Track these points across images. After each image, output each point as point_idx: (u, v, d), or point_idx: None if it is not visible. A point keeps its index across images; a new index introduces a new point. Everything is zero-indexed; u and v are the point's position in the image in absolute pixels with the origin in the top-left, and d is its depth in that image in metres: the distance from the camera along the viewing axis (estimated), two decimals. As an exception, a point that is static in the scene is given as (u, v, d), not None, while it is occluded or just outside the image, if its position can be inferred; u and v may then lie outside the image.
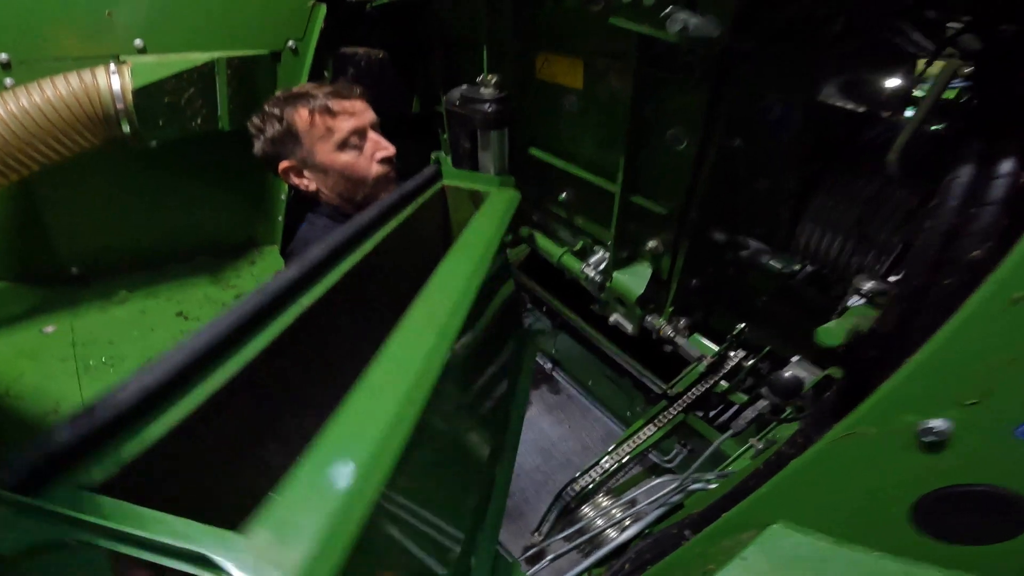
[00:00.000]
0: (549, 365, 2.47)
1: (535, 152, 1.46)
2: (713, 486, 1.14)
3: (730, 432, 1.18)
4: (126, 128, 1.37)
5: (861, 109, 1.19)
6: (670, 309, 1.31)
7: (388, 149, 1.35)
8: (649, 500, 1.16)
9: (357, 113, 1.34)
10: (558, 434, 2.69)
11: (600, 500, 1.64)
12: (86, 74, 1.31)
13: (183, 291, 1.59)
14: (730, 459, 1.42)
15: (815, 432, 0.74)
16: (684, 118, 1.10)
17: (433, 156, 1.20)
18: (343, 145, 1.30)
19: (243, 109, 1.57)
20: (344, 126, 1.29)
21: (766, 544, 0.64)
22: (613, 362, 2.07)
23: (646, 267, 1.31)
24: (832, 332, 0.80)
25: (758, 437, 1.30)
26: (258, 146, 1.34)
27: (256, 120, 1.34)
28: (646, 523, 1.12)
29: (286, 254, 1.39)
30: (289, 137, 1.30)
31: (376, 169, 1.33)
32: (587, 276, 1.36)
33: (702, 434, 1.73)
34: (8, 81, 1.32)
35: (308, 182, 1.33)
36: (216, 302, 1.58)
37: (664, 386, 1.82)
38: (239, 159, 1.66)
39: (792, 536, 0.63)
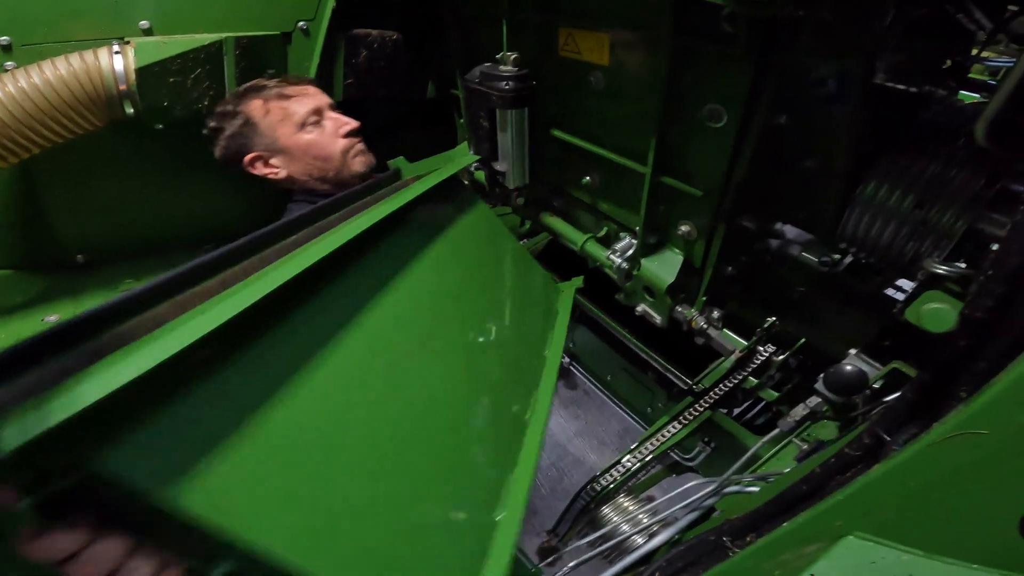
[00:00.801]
0: (566, 359, 2.38)
1: (557, 133, 1.36)
2: (752, 489, 1.05)
3: (775, 432, 1.07)
4: (129, 110, 1.32)
5: (914, 89, 1.10)
6: (703, 299, 1.22)
7: (350, 123, 1.38)
8: (682, 504, 1.07)
9: (311, 95, 1.37)
10: (574, 429, 2.61)
11: (622, 501, 1.55)
12: (88, 54, 1.26)
13: None
14: (763, 459, 1.32)
15: (893, 432, 0.65)
16: (724, 93, 1.00)
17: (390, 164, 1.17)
18: (303, 125, 1.31)
19: None
20: (300, 107, 1.32)
21: (840, 558, 0.54)
22: (634, 356, 1.98)
23: (677, 254, 1.22)
24: (941, 316, 0.70)
25: (796, 435, 1.20)
26: (219, 149, 1.33)
27: (212, 123, 1.33)
28: (677, 528, 1.03)
29: None
30: (248, 128, 1.30)
31: (341, 143, 1.35)
32: (613, 264, 1.26)
33: (730, 432, 1.63)
34: (9, 64, 1.26)
35: (277, 169, 1.33)
36: None
37: (690, 382, 1.72)
38: None
39: (873, 549, 0.54)
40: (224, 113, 1.31)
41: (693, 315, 1.22)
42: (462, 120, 1.85)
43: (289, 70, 1.59)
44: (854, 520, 0.56)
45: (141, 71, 1.28)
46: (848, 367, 0.87)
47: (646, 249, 1.24)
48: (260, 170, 1.32)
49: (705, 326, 1.22)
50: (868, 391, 0.90)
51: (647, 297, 1.27)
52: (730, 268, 1.18)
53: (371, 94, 1.83)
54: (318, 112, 1.35)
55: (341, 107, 1.77)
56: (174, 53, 1.32)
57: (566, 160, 1.39)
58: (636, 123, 1.17)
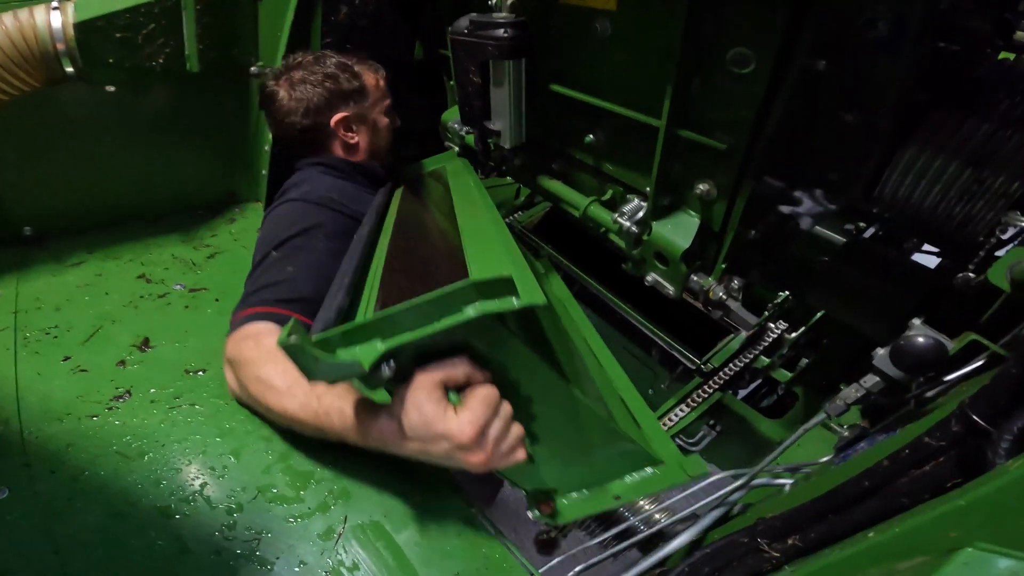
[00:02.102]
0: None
1: (557, 89, 1.19)
2: (783, 482, 0.90)
3: (821, 418, 0.92)
4: (69, 68, 1.18)
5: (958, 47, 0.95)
6: (722, 267, 1.06)
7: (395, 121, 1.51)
8: (705, 500, 0.92)
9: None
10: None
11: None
12: (23, 12, 1.13)
13: (148, 252, 1.35)
14: (784, 446, 1.17)
15: (997, 419, 0.49)
16: (754, 35, 0.83)
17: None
18: (387, 111, 1.45)
19: (218, 49, 1.33)
20: (387, 99, 1.46)
21: (960, 575, 0.39)
22: (636, 334, 1.82)
23: (693, 216, 1.06)
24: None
25: (833, 419, 1.05)
26: (316, 95, 1.31)
27: (319, 70, 1.32)
28: (701, 528, 0.88)
29: (282, 199, 1.23)
30: (358, 94, 1.36)
31: (391, 135, 1.49)
32: (620, 227, 1.10)
33: (740, 415, 1.49)
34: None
35: (354, 136, 1.37)
36: (185, 262, 1.34)
37: (698, 360, 1.57)
38: (215, 106, 1.42)
39: (1004, 563, 0.39)
40: (343, 66, 1.35)
41: (711, 284, 1.07)
42: (451, 83, 1.67)
43: (260, 29, 1.41)
44: (974, 530, 0.40)
45: (81, 27, 1.14)
46: (920, 338, 0.72)
47: (658, 211, 1.07)
48: (339, 129, 1.34)
49: (724, 297, 1.06)
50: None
51: (659, 265, 1.11)
52: (753, 232, 1.02)
53: (353, 55, 1.64)
54: (392, 106, 1.49)
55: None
56: (121, 7, 1.18)
57: (567, 118, 1.22)
58: (648, 73, 1.00)
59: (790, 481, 0.90)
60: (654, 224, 1.08)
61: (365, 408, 0.74)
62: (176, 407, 0.97)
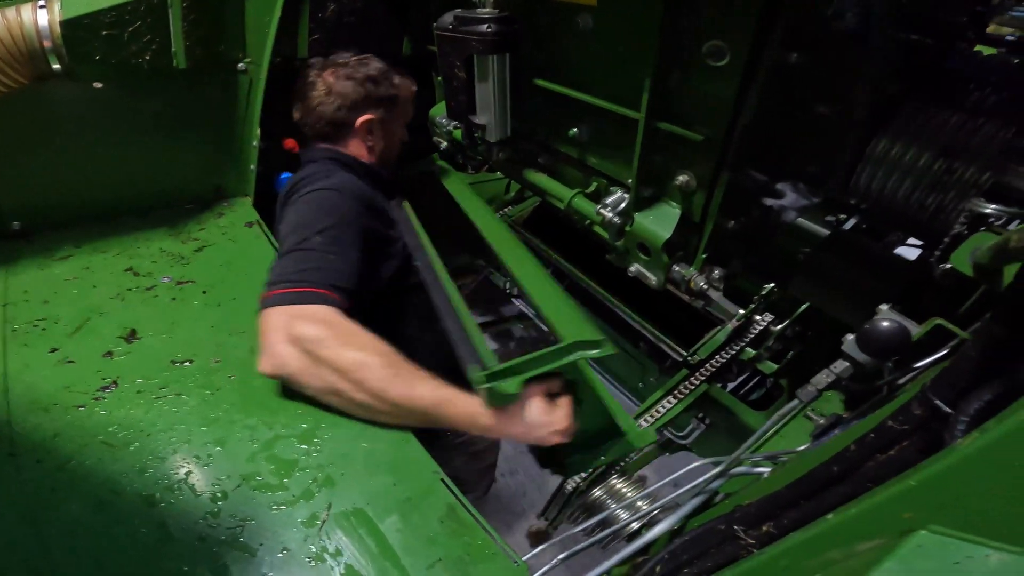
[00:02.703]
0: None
1: (541, 83, 1.19)
2: (762, 470, 0.91)
3: (794, 404, 0.93)
4: (56, 65, 1.17)
5: (932, 40, 0.95)
6: (703, 256, 1.06)
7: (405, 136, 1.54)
8: (685, 487, 0.93)
9: None
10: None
11: (615, 483, 1.41)
12: (10, 10, 1.13)
13: (136, 245, 1.35)
14: (766, 435, 1.18)
15: (956, 401, 0.50)
16: (728, 27, 0.84)
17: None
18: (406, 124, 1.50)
19: (204, 45, 1.32)
20: (410, 114, 1.53)
21: (913, 559, 0.40)
22: (624, 327, 1.83)
23: (674, 207, 1.06)
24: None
25: (802, 410, 1.06)
26: (353, 90, 1.35)
27: (363, 71, 1.37)
28: (681, 515, 0.89)
29: (313, 186, 1.23)
30: (389, 101, 1.40)
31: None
32: (603, 219, 1.11)
33: (727, 407, 1.50)
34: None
35: (373, 141, 1.40)
36: (174, 255, 1.34)
37: (684, 353, 1.58)
38: (202, 101, 1.42)
39: (956, 546, 0.39)
40: (387, 74, 1.40)
41: (692, 274, 1.07)
42: (439, 78, 1.67)
43: (247, 25, 1.41)
44: (928, 511, 0.41)
45: (68, 24, 1.14)
46: (885, 323, 0.73)
47: (640, 203, 1.08)
48: (362, 130, 1.37)
49: (705, 286, 1.07)
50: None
51: (641, 256, 1.12)
52: (732, 223, 1.03)
53: (341, 50, 1.64)
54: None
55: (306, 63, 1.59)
56: (107, 5, 1.17)
57: (551, 112, 1.23)
58: (628, 66, 1.00)
59: (768, 469, 0.91)
60: (636, 215, 1.09)
61: (473, 404, 0.91)
62: (162, 397, 0.96)
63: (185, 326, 1.14)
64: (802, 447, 0.93)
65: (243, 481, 0.84)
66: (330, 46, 1.60)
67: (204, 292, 1.24)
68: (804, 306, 1.53)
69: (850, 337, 0.80)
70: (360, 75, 1.35)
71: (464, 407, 0.90)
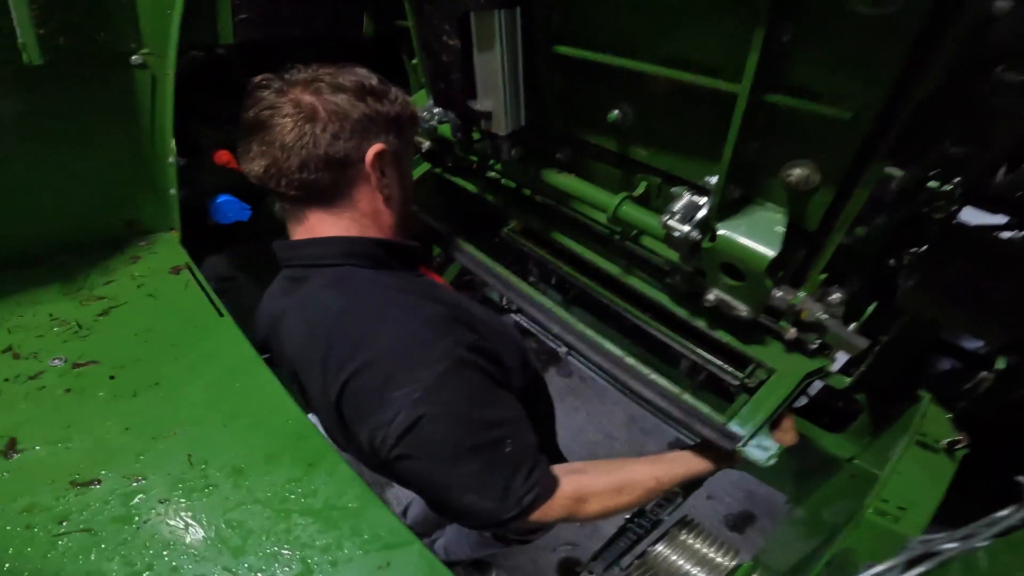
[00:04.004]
0: (563, 348, 1.91)
1: (565, 51, 0.85)
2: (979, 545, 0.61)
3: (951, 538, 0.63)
4: None
5: None
6: (821, 277, 0.76)
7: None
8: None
9: None
10: (575, 424, 2.16)
11: (686, 539, 1.14)
12: None
13: (15, 313, 0.97)
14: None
15: None
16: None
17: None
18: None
19: (72, 33, 0.92)
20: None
21: None
22: (651, 340, 1.52)
23: (776, 213, 0.75)
24: None
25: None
26: (352, 106, 0.82)
27: (352, 78, 0.84)
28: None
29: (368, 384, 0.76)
30: (399, 121, 0.87)
31: None
32: (674, 233, 0.78)
33: (810, 440, 1.23)
34: None
35: (387, 186, 0.87)
36: (68, 325, 0.96)
37: (740, 375, 1.28)
38: (87, 108, 1.02)
39: None
40: (384, 81, 0.88)
41: (804, 301, 0.77)
42: (414, 61, 1.30)
43: (139, 5, 1.00)
44: None
45: None
46: None
47: (724, 209, 0.76)
48: (373, 169, 0.84)
49: (824, 316, 0.76)
50: None
51: (728, 280, 0.80)
52: (867, 228, 0.72)
53: (280, 34, 1.25)
54: None
55: (235, 53, 1.19)
56: None
57: (578, 92, 0.89)
58: (715, 16, 0.67)
59: (983, 544, 0.62)
60: (719, 226, 0.77)
61: (690, 461, 0.95)
62: (62, 537, 0.69)
63: (87, 429, 0.82)
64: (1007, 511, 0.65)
65: None
66: (265, 28, 1.21)
67: (112, 377, 0.89)
68: (871, 308, 1.26)
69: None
70: (351, 82, 0.83)
71: (686, 467, 0.93)
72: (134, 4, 0.99)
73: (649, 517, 1.37)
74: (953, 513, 1.12)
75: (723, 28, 0.66)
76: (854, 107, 0.60)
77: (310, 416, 0.84)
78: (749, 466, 0.88)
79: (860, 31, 0.56)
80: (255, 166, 0.82)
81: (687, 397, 0.94)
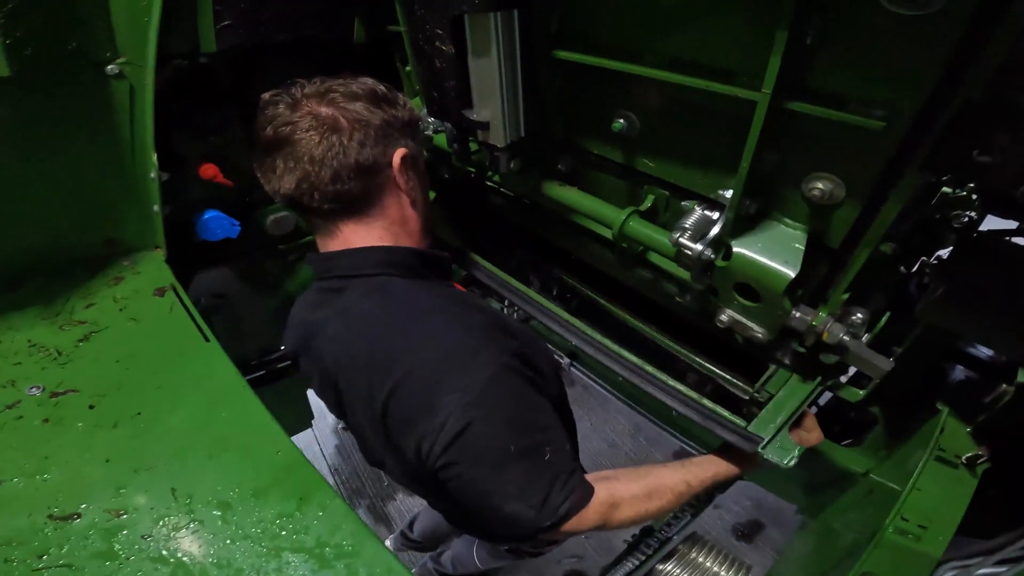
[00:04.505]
0: (565, 360, 1.86)
1: (565, 55, 0.79)
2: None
3: None
4: None
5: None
6: (844, 297, 0.70)
7: None
8: None
9: None
10: (580, 434, 2.10)
11: (695, 557, 1.10)
12: None
13: None
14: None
15: None
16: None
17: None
18: None
19: (40, 42, 0.86)
20: None
21: None
22: (655, 350, 1.47)
23: (795, 229, 0.69)
24: None
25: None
26: (371, 113, 0.80)
27: (359, 87, 0.82)
28: None
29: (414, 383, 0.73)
30: (414, 124, 0.86)
31: None
32: (685, 251, 0.72)
33: (822, 454, 1.18)
34: None
35: (411, 189, 0.85)
36: (46, 352, 0.91)
37: (750, 389, 1.23)
38: (62, 121, 0.96)
39: None
40: (391, 89, 0.84)
41: (825, 322, 0.71)
42: (408, 68, 1.24)
43: (114, 12, 0.94)
44: None
45: None
46: None
47: (739, 224, 0.70)
48: (399, 173, 0.82)
49: (845, 338, 0.71)
50: None
51: (743, 301, 0.74)
52: (892, 246, 0.67)
53: (267, 40, 1.19)
54: None
55: (218, 61, 1.13)
56: None
57: (581, 98, 0.83)
58: (732, 18, 0.61)
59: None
60: (734, 243, 0.71)
61: (715, 465, 0.92)
62: (44, 568, 0.66)
63: (65, 461, 0.78)
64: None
65: None
66: (250, 34, 1.14)
67: (91, 407, 0.84)
68: (885, 318, 1.21)
69: None
70: (364, 91, 0.81)
71: (714, 471, 0.91)
72: (108, 12, 0.92)
73: (657, 536, 1.32)
74: (971, 524, 1.07)
75: (740, 29, 0.60)
76: (886, 115, 0.54)
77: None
78: (771, 469, 0.87)
79: (896, 33, 0.51)
80: (285, 184, 0.78)
81: (707, 401, 0.91)
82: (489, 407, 0.70)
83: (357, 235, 0.83)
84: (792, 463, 0.82)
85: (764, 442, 0.82)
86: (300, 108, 0.78)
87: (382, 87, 0.84)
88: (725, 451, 0.94)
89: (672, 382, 0.96)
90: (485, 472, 0.70)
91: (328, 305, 0.82)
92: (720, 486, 1.07)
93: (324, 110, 0.78)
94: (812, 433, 0.91)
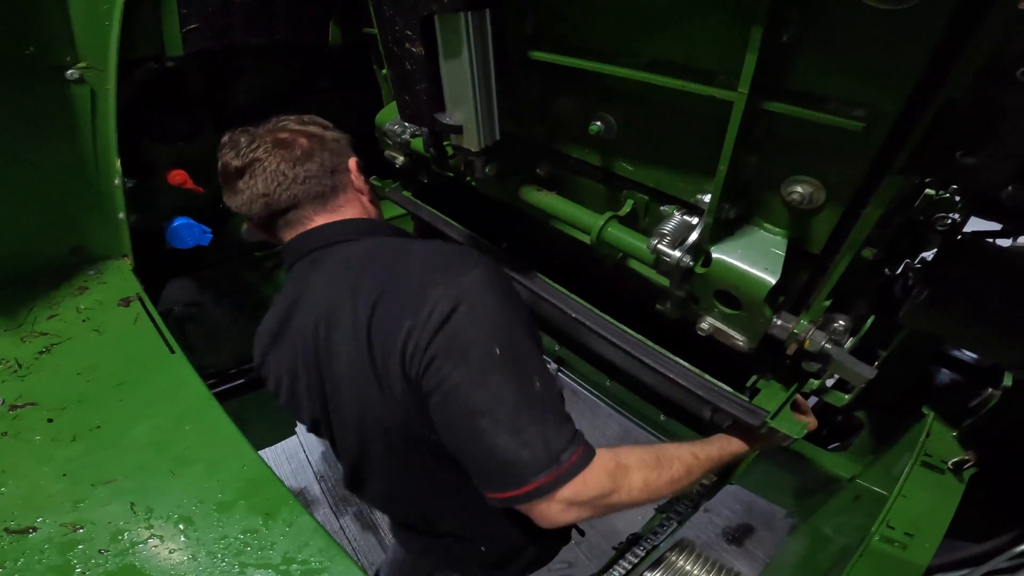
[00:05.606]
0: (553, 365, 1.82)
1: (541, 56, 0.76)
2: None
3: None
4: None
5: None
6: (826, 304, 0.67)
7: None
8: None
9: None
10: (566, 441, 2.07)
11: (680, 563, 1.07)
12: None
13: None
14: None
15: None
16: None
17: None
18: None
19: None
20: None
21: None
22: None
23: (775, 234, 0.66)
24: None
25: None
26: (325, 131, 0.93)
27: (306, 117, 0.95)
28: None
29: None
30: (353, 148, 0.95)
31: None
32: (663, 258, 0.69)
33: (796, 451, 1.16)
34: None
35: (368, 190, 0.96)
36: (5, 364, 0.87)
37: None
38: (20, 127, 0.92)
39: None
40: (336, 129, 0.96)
41: (807, 330, 0.68)
42: (385, 71, 1.20)
43: (73, 15, 0.90)
44: None
45: None
46: None
47: (718, 229, 0.67)
48: (359, 176, 0.93)
49: (827, 346, 0.68)
50: None
51: (723, 308, 0.71)
52: (876, 251, 0.64)
53: (238, 43, 1.14)
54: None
55: (186, 64, 1.09)
56: None
57: (558, 100, 0.80)
58: (708, 16, 0.58)
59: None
60: (714, 249, 0.68)
61: (725, 443, 0.89)
62: None
63: (22, 475, 0.76)
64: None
65: None
66: (218, 37, 1.10)
67: (50, 420, 0.82)
68: (869, 322, 1.19)
69: None
70: (311, 119, 0.94)
71: (720, 446, 0.88)
72: (68, 16, 0.88)
73: (643, 544, 1.29)
74: (958, 528, 1.05)
75: (716, 27, 0.57)
76: (866, 116, 0.51)
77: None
78: (778, 445, 0.88)
79: (874, 29, 0.48)
80: (258, 186, 0.84)
81: (710, 377, 0.89)
82: (477, 299, 0.70)
83: (333, 218, 0.88)
84: (802, 434, 0.82)
85: (771, 414, 0.81)
86: (260, 138, 0.85)
87: (324, 121, 0.95)
88: (732, 430, 0.92)
89: (675, 358, 0.92)
90: (469, 375, 0.67)
91: (305, 279, 0.83)
92: (728, 469, 1.06)
93: (282, 135, 0.87)
94: (808, 416, 0.92)
